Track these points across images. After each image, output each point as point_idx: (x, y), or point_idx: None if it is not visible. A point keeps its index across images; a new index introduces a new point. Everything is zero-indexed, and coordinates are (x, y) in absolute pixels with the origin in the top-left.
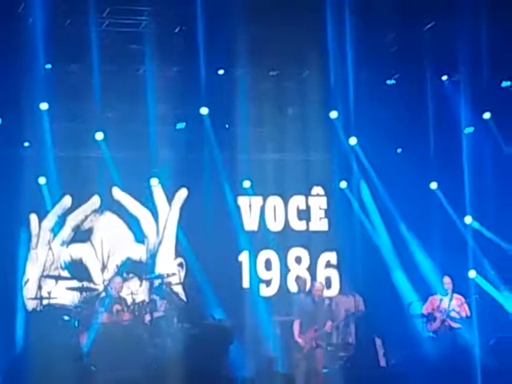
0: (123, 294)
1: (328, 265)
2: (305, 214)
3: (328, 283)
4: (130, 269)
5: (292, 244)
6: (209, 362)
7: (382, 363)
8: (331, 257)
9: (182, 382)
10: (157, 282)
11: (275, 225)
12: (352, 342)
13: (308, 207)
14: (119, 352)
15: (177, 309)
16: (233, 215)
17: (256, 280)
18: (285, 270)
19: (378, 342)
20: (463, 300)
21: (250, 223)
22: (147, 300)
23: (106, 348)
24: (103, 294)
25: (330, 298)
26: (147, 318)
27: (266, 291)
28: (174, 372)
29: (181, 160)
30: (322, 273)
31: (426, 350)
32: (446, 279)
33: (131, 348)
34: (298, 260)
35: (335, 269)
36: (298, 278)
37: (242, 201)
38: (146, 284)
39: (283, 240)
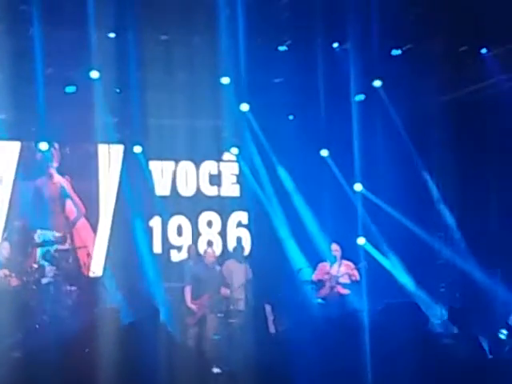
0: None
1: (239, 225)
2: (216, 180)
3: (239, 243)
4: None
5: (203, 208)
6: None
7: (272, 329)
8: (242, 217)
9: None
10: (45, 248)
11: (187, 190)
12: (242, 309)
13: (219, 172)
14: (5, 318)
15: (66, 274)
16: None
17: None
18: (196, 235)
19: (268, 308)
20: (352, 266)
21: (162, 188)
22: (36, 266)
23: None
24: None
25: (221, 264)
26: (35, 283)
27: (176, 257)
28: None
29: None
30: (232, 233)
31: (315, 316)
32: (334, 246)
33: (18, 314)
34: (209, 224)
35: (246, 229)
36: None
37: (154, 165)
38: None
39: (194, 205)
